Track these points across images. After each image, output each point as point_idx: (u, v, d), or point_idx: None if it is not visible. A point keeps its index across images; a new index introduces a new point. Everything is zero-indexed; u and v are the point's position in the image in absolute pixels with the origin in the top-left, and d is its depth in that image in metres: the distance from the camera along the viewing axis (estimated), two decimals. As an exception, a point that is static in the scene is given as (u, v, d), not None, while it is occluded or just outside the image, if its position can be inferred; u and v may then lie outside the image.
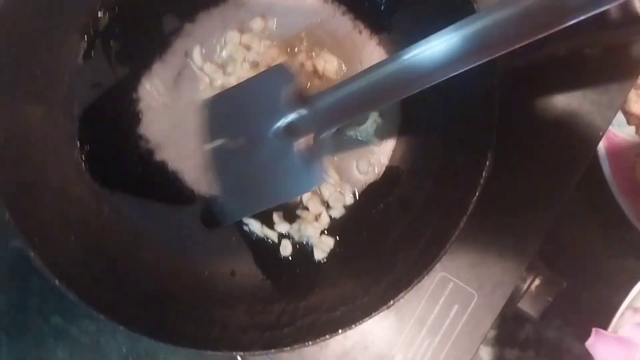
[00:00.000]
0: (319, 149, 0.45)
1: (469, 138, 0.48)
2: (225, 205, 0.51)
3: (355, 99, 0.42)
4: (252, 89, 0.48)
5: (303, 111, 0.44)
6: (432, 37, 0.38)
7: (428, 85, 0.40)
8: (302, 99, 0.45)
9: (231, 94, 0.50)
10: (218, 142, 0.50)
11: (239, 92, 0.49)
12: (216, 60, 0.53)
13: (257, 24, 0.53)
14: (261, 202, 0.49)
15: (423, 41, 0.39)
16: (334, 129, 0.45)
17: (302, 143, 0.45)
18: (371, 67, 0.41)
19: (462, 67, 0.38)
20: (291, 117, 0.45)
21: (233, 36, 0.52)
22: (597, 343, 0.48)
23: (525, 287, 0.54)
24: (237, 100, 0.49)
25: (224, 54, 0.53)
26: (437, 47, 0.38)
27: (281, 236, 0.53)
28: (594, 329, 0.48)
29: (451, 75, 0.39)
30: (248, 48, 0.53)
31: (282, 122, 0.45)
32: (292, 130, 0.45)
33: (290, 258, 0.52)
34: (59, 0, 0.47)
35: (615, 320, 0.50)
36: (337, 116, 0.44)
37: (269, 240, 0.52)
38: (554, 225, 0.55)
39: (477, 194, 0.45)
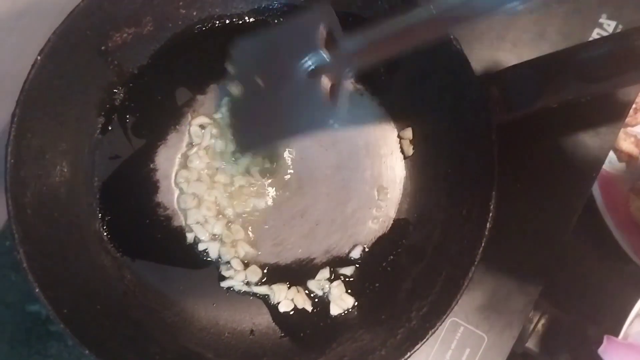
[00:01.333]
0: (340, 90, 0.46)
1: (471, 190, 0.50)
2: (243, 137, 0.52)
3: (376, 43, 0.44)
4: (287, 29, 0.49)
5: (329, 52, 0.46)
6: None
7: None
8: (333, 40, 0.46)
9: (265, 34, 0.51)
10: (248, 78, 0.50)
11: (272, 34, 0.51)
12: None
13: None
14: (279, 133, 0.50)
15: None
16: (355, 70, 0.46)
17: (325, 82, 0.46)
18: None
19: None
20: (319, 57, 0.46)
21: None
22: (609, 350, 0.49)
23: (532, 326, 0.56)
24: (270, 40, 0.50)
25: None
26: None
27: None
28: (605, 336, 0.49)
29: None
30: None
31: (311, 61, 0.46)
32: (319, 71, 0.46)
33: (309, 312, 0.54)
34: (78, 79, 0.50)
35: (625, 328, 0.51)
36: (361, 58, 0.45)
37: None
38: (556, 264, 0.57)
39: (483, 244, 0.47)
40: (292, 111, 0.48)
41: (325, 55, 0.46)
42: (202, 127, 0.54)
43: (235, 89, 0.52)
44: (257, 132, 0.51)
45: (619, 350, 0.49)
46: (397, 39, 0.43)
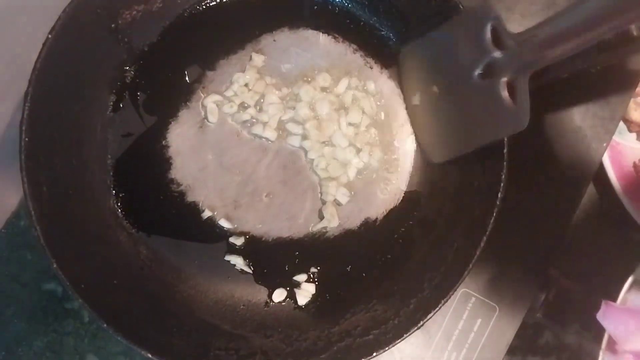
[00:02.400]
0: (520, 91, 0.44)
1: (482, 160, 0.50)
2: (434, 147, 0.52)
3: (560, 35, 0.40)
4: (453, 31, 0.48)
5: (502, 52, 0.44)
6: None
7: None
8: (503, 38, 0.44)
9: (430, 40, 0.50)
10: (422, 89, 0.50)
11: (439, 37, 0.49)
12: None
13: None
14: (468, 143, 0.49)
15: None
16: (537, 68, 0.44)
17: (505, 83, 0.44)
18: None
19: None
20: (491, 57, 0.44)
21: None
22: (607, 315, 0.49)
23: (543, 296, 0.57)
24: (437, 45, 0.49)
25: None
26: None
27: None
28: (603, 302, 0.50)
29: None
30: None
31: (483, 63, 0.45)
32: (493, 72, 0.45)
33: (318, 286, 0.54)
34: (89, 58, 0.50)
35: (622, 293, 0.52)
36: (537, 55, 0.42)
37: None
38: (566, 234, 0.57)
39: (495, 214, 0.47)
40: (476, 118, 0.47)
41: (495, 54, 0.44)
42: (217, 104, 0.55)
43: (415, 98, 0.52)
44: (446, 142, 0.51)
45: (617, 315, 0.50)
46: (579, 32, 0.39)
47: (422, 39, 0.52)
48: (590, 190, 0.62)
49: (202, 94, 0.55)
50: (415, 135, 0.55)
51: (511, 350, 0.61)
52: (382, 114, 0.56)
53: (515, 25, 0.58)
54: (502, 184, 0.48)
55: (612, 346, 0.50)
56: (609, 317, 0.50)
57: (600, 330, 0.52)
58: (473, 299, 0.55)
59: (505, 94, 0.44)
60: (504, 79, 0.44)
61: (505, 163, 0.48)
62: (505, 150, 0.48)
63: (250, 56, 0.55)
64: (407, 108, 0.55)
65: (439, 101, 0.50)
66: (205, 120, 0.54)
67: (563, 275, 0.59)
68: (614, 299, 0.53)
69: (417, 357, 0.55)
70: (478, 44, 0.45)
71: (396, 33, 0.56)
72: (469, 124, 0.48)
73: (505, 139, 0.48)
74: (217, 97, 0.54)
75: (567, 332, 0.63)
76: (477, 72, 0.46)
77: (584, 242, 0.63)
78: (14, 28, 0.49)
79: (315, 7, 0.56)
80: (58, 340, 0.58)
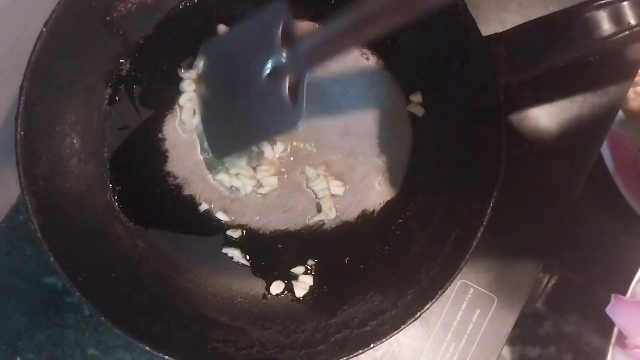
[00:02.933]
0: (299, 90, 0.45)
1: (479, 152, 0.50)
2: (216, 142, 0.52)
3: (332, 40, 0.44)
4: (248, 29, 0.49)
5: (289, 51, 0.46)
6: None
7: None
8: (290, 39, 0.46)
9: (228, 37, 0.52)
10: (215, 80, 0.51)
11: (235, 34, 0.51)
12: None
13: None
14: (250, 138, 0.51)
15: None
16: (314, 69, 0.46)
17: (288, 82, 0.46)
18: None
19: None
20: (278, 57, 0.46)
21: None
22: (617, 308, 0.49)
23: (542, 286, 0.57)
24: (233, 42, 0.50)
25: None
26: None
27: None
28: (613, 295, 0.49)
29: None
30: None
31: (271, 62, 0.46)
32: (280, 72, 0.46)
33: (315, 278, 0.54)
34: (84, 51, 0.50)
35: (632, 286, 0.51)
36: (317, 56, 0.45)
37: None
38: (565, 224, 0.57)
39: (492, 204, 0.47)
40: (258, 113, 0.48)
41: (283, 54, 0.46)
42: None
43: (202, 90, 0.52)
44: (228, 136, 0.51)
45: (626, 308, 0.49)
46: (353, 33, 0.43)
47: (223, 36, 0.53)
48: (589, 180, 0.61)
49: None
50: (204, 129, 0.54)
51: (510, 341, 0.62)
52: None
53: (513, 13, 0.58)
54: (500, 174, 0.47)
55: (621, 341, 0.49)
56: (619, 311, 0.49)
57: (602, 321, 0.51)
58: (471, 289, 0.55)
59: (286, 93, 0.46)
60: (286, 79, 0.46)
61: (503, 153, 0.48)
62: (503, 141, 0.48)
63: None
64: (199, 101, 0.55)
65: (228, 97, 0.50)
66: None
67: (562, 266, 0.59)
68: (614, 289, 0.52)
69: (416, 348, 0.55)
70: (268, 42, 0.46)
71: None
72: (252, 120, 0.49)
73: (504, 128, 0.48)
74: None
75: (566, 322, 0.63)
76: (266, 70, 0.47)
77: (583, 232, 0.63)
78: (9, 22, 0.49)
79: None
80: (59, 333, 0.59)
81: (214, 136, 0.52)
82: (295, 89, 0.46)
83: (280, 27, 0.46)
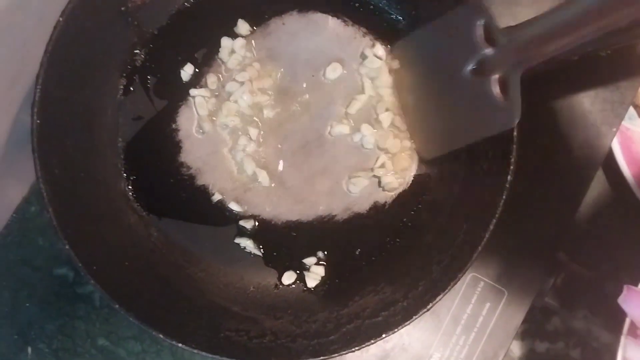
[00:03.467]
0: (512, 88, 0.43)
1: (491, 144, 0.50)
2: (425, 142, 0.52)
3: (551, 32, 0.40)
4: (443, 28, 0.48)
5: (494, 49, 0.43)
6: None
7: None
8: (493, 34, 0.43)
9: (421, 36, 0.50)
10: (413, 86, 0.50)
11: (430, 32, 0.49)
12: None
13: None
14: (459, 139, 0.49)
15: None
16: (529, 66, 0.43)
17: (496, 80, 0.44)
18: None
19: None
20: (483, 54, 0.44)
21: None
22: (629, 299, 0.48)
23: (552, 281, 0.57)
24: (428, 42, 0.49)
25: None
26: None
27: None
28: (625, 286, 0.49)
29: None
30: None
31: (475, 59, 0.45)
32: (485, 68, 0.44)
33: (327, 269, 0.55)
34: (99, 41, 0.50)
35: None
36: (530, 52, 0.42)
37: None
38: (575, 219, 0.57)
39: (504, 197, 0.47)
40: (467, 114, 0.47)
41: (487, 51, 0.44)
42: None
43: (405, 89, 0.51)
44: (438, 136, 0.51)
45: (638, 299, 0.49)
46: (570, 29, 0.38)
47: (413, 35, 0.52)
48: (600, 175, 0.62)
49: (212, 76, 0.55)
50: (408, 130, 0.54)
51: (519, 336, 0.62)
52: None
53: (526, 8, 0.58)
54: (511, 167, 0.48)
55: (633, 331, 0.49)
56: (631, 302, 0.49)
57: (611, 316, 0.51)
58: (482, 283, 0.55)
59: (497, 90, 0.44)
60: (496, 76, 0.44)
61: (515, 146, 0.48)
62: (515, 134, 0.48)
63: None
64: (399, 103, 0.55)
65: (430, 98, 0.50)
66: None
67: (572, 260, 0.59)
68: (624, 283, 0.52)
69: (426, 341, 0.55)
70: (469, 40, 0.45)
71: (406, 15, 0.55)
72: (460, 120, 0.48)
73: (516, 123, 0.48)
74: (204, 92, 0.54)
75: (575, 317, 0.63)
76: (469, 69, 0.45)
77: (593, 227, 0.63)
78: (25, 11, 0.50)
79: (324, -11, 0.56)
80: (70, 324, 0.59)
81: (422, 137, 0.51)
82: (506, 86, 0.44)
83: (481, 23, 0.44)
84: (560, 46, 0.40)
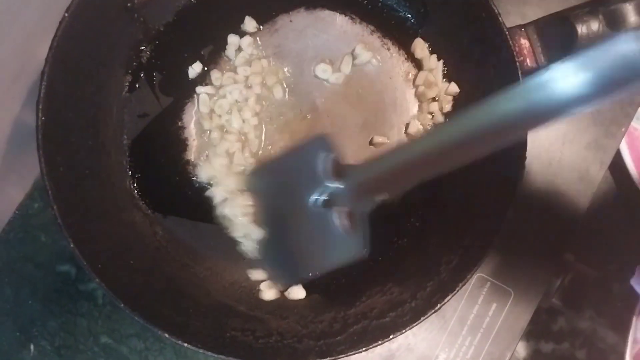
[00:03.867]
0: (360, 221, 0.44)
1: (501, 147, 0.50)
2: (277, 270, 0.51)
3: (393, 173, 0.40)
4: (291, 158, 0.48)
5: (340, 184, 0.44)
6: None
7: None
8: (339, 170, 0.44)
9: (272, 164, 0.50)
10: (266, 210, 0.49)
11: (279, 162, 0.50)
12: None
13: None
14: (305, 270, 0.48)
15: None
16: (373, 204, 0.44)
17: (341, 214, 0.44)
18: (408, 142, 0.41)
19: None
20: (329, 189, 0.44)
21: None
22: None
23: (559, 281, 0.56)
24: (277, 171, 0.49)
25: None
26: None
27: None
28: (638, 268, 0.49)
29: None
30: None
31: (321, 193, 0.45)
32: (330, 202, 0.45)
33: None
34: (105, 37, 0.50)
35: None
36: (374, 190, 0.43)
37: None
38: (582, 219, 0.57)
39: (514, 198, 0.47)
40: (317, 243, 0.47)
41: (334, 185, 0.44)
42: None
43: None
44: (288, 265, 0.49)
45: None
46: (415, 167, 0.38)
47: (268, 162, 0.51)
48: (607, 175, 0.61)
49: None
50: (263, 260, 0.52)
51: (524, 336, 0.61)
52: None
53: (534, 6, 0.57)
54: (522, 167, 0.47)
55: None
56: None
57: (617, 317, 0.51)
58: (488, 283, 0.55)
59: (345, 223, 0.44)
60: (344, 209, 0.44)
61: (526, 145, 0.47)
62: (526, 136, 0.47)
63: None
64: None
65: (283, 226, 0.49)
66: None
67: (579, 261, 0.59)
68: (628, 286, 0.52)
69: (432, 341, 0.55)
70: (318, 174, 0.45)
71: (414, 13, 0.55)
72: (312, 250, 0.47)
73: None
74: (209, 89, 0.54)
75: (581, 318, 0.63)
76: (313, 201, 0.45)
77: (600, 228, 0.63)
78: (29, 7, 0.49)
79: (332, -14, 0.56)
80: (72, 321, 0.58)
81: (273, 264, 0.51)
82: (353, 218, 0.44)
83: (329, 159, 0.44)
84: (404, 184, 0.42)
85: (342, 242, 0.45)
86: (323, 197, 0.45)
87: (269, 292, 0.52)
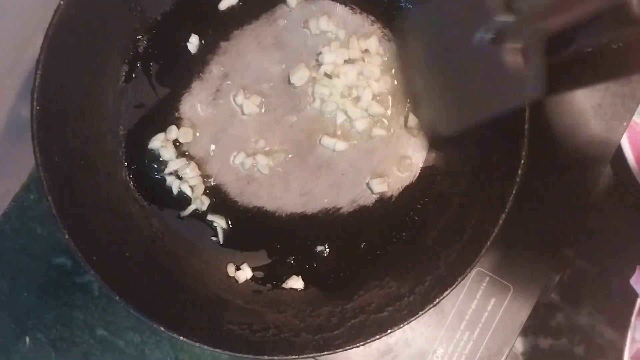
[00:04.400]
0: (534, 56, 0.40)
1: (502, 137, 0.49)
2: (442, 119, 0.49)
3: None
4: None
5: (514, 16, 0.40)
6: None
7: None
8: (508, 2, 0.41)
9: (431, 9, 0.48)
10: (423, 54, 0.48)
11: (441, 4, 0.47)
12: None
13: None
14: (478, 113, 0.47)
15: None
16: (551, 33, 0.40)
17: (517, 49, 0.41)
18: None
19: None
20: (502, 22, 0.41)
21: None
22: None
23: (557, 277, 0.56)
24: (440, 13, 0.47)
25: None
26: None
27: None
28: (638, 267, 0.49)
29: None
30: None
31: (492, 28, 0.42)
32: (504, 37, 0.42)
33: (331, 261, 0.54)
34: (101, 26, 0.49)
35: None
36: (549, 19, 0.39)
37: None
38: (582, 215, 0.56)
39: (514, 192, 0.46)
40: (488, 86, 0.44)
41: (506, 19, 0.41)
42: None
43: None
44: (454, 111, 0.48)
45: None
46: None
47: (423, 7, 0.50)
48: (608, 171, 0.61)
49: (215, 64, 0.54)
50: (420, 110, 0.52)
51: (522, 331, 0.61)
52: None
53: None
54: (522, 161, 0.47)
55: None
56: None
57: (616, 313, 0.51)
58: (487, 278, 0.55)
59: (518, 60, 0.42)
60: (517, 45, 0.42)
61: (526, 139, 0.47)
62: (526, 126, 0.47)
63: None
64: (409, 81, 0.53)
65: (442, 73, 0.48)
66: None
67: (578, 257, 0.58)
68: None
69: (429, 336, 0.54)
70: (487, 9, 0.42)
71: (415, 4, 0.54)
72: (477, 93, 0.46)
73: (527, 115, 0.47)
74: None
75: (579, 314, 0.62)
76: (487, 38, 0.43)
77: (600, 224, 0.62)
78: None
79: (333, -24, 0.55)
80: (68, 313, 0.58)
81: (438, 113, 0.49)
82: (527, 55, 0.41)
83: None
84: (583, 12, 0.39)
85: (515, 81, 0.42)
86: (493, 34, 0.42)
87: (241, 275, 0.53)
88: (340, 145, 0.53)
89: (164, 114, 0.53)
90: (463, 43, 0.44)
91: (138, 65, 0.53)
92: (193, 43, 0.53)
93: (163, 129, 0.53)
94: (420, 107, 0.52)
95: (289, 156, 0.54)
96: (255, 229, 0.53)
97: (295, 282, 0.52)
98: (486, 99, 0.46)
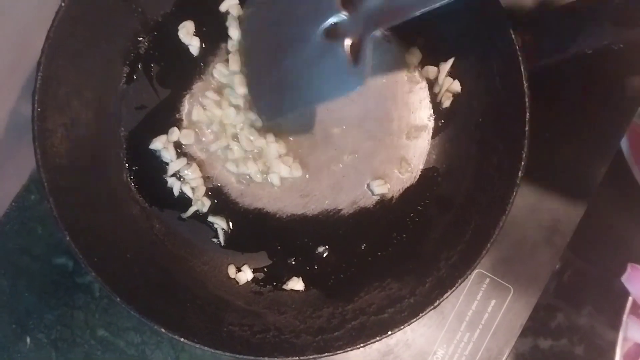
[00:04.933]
0: (365, 50, 0.43)
1: (502, 139, 0.49)
2: (264, 104, 0.51)
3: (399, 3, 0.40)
4: None
5: (347, 12, 0.43)
6: None
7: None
8: (350, 1, 0.43)
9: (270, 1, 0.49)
10: (262, 41, 0.49)
11: None
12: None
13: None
14: (303, 99, 0.49)
15: None
16: (380, 32, 0.44)
17: (347, 44, 0.44)
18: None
19: None
20: (336, 18, 0.44)
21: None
22: (633, 277, 0.49)
23: (558, 278, 0.56)
24: (279, 5, 0.49)
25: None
26: None
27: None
28: (629, 265, 0.49)
29: None
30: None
31: (327, 23, 0.44)
32: (337, 32, 0.44)
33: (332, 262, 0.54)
34: (102, 27, 0.49)
35: None
36: (383, 17, 0.42)
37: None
38: (583, 216, 0.56)
39: (515, 193, 0.46)
40: (313, 76, 0.46)
41: (343, 14, 0.44)
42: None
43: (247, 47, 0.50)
44: (278, 98, 0.49)
45: None
46: None
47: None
48: (608, 173, 0.61)
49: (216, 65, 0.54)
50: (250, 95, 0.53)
51: (523, 332, 0.61)
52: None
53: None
54: (522, 163, 0.47)
55: (635, 310, 0.49)
56: (634, 280, 0.49)
57: (615, 314, 0.51)
58: (487, 279, 0.55)
59: (348, 53, 0.44)
60: (349, 40, 0.44)
61: (526, 141, 0.47)
62: (526, 128, 0.47)
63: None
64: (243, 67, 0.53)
65: (277, 59, 0.48)
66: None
67: (578, 258, 0.58)
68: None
69: (430, 337, 0.54)
70: (325, 2, 0.44)
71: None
72: (306, 81, 0.47)
73: (527, 117, 0.47)
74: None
75: (579, 315, 0.62)
76: (321, 30, 0.45)
77: (600, 225, 0.62)
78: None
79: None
80: (69, 314, 0.58)
81: (260, 98, 0.50)
82: (357, 49, 0.43)
83: None
84: (406, 13, 0.41)
85: (343, 73, 0.44)
86: (327, 28, 0.44)
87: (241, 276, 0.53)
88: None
89: (165, 116, 0.53)
90: (300, 34, 0.46)
91: (139, 66, 0.53)
92: (194, 45, 0.53)
93: (164, 130, 0.53)
94: (251, 92, 0.52)
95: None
96: (256, 230, 0.53)
97: (296, 284, 0.52)
98: (312, 88, 0.47)
